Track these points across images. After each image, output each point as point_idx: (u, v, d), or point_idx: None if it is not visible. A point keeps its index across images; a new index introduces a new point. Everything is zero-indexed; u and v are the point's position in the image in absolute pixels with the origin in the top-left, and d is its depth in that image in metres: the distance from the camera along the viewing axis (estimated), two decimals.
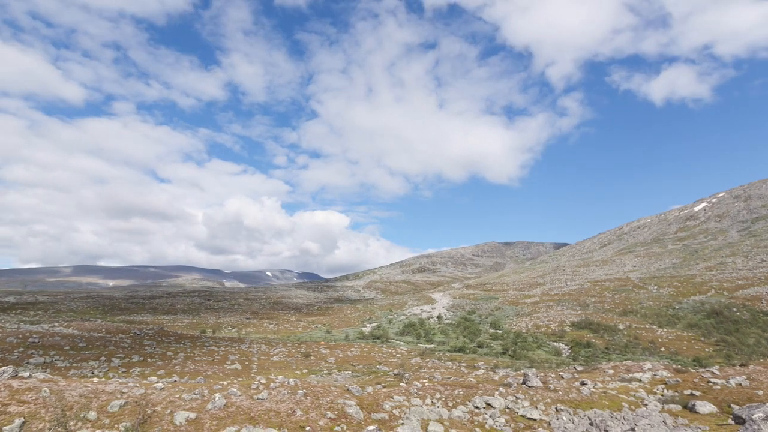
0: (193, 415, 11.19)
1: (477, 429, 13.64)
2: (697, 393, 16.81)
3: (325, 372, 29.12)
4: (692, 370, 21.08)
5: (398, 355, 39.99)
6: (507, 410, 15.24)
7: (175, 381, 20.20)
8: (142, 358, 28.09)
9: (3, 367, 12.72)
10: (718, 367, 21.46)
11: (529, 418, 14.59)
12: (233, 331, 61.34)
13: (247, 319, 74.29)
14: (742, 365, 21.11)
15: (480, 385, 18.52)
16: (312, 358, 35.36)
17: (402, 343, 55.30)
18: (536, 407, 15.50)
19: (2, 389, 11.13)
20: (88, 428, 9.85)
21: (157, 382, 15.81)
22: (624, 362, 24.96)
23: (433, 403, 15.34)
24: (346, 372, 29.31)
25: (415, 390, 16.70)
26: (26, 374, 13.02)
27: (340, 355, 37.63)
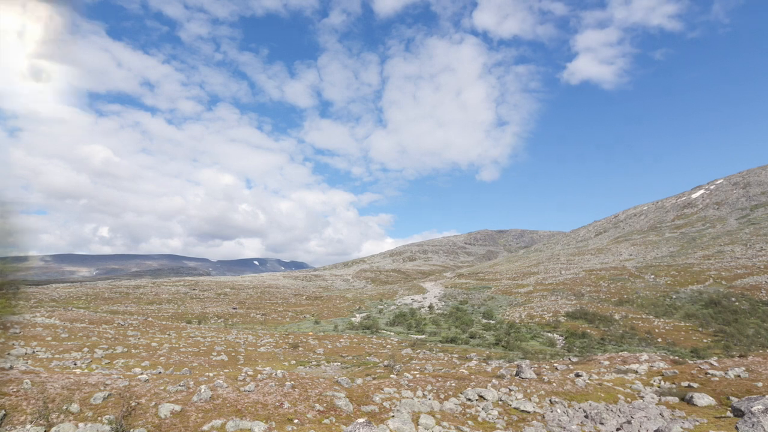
0: (178, 408, 10.98)
1: (469, 422, 13.26)
2: (695, 385, 16.59)
3: (314, 363, 28.66)
4: (690, 362, 20.92)
5: (388, 346, 39.67)
6: (500, 402, 14.91)
7: (160, 373, 19.72)
8: (126, 349, 27.41)
9: None
10: (716, 358, 21.35)
11: (522, 411, 14.27)
12: (219, 321, 60.71)
13: (234, 309, 73.64)
14: (741, 356, 20.97)
15: (472, 376, 18.21)
16: (300, 349, 34.89)
17: (392, 333, 55.11)
18: (530, 399, 15.21)
19: None
20: (70, 421, 9.65)
21: (142, 373, 15.56)
22: (620, 353, 24.84)
23: (424, 396, 14.98)
24: (335, 363, 28.89)
25: (406, 382, 16.34)
26: (7, 366, 12.90)
27: (329, 346, 37.20)
